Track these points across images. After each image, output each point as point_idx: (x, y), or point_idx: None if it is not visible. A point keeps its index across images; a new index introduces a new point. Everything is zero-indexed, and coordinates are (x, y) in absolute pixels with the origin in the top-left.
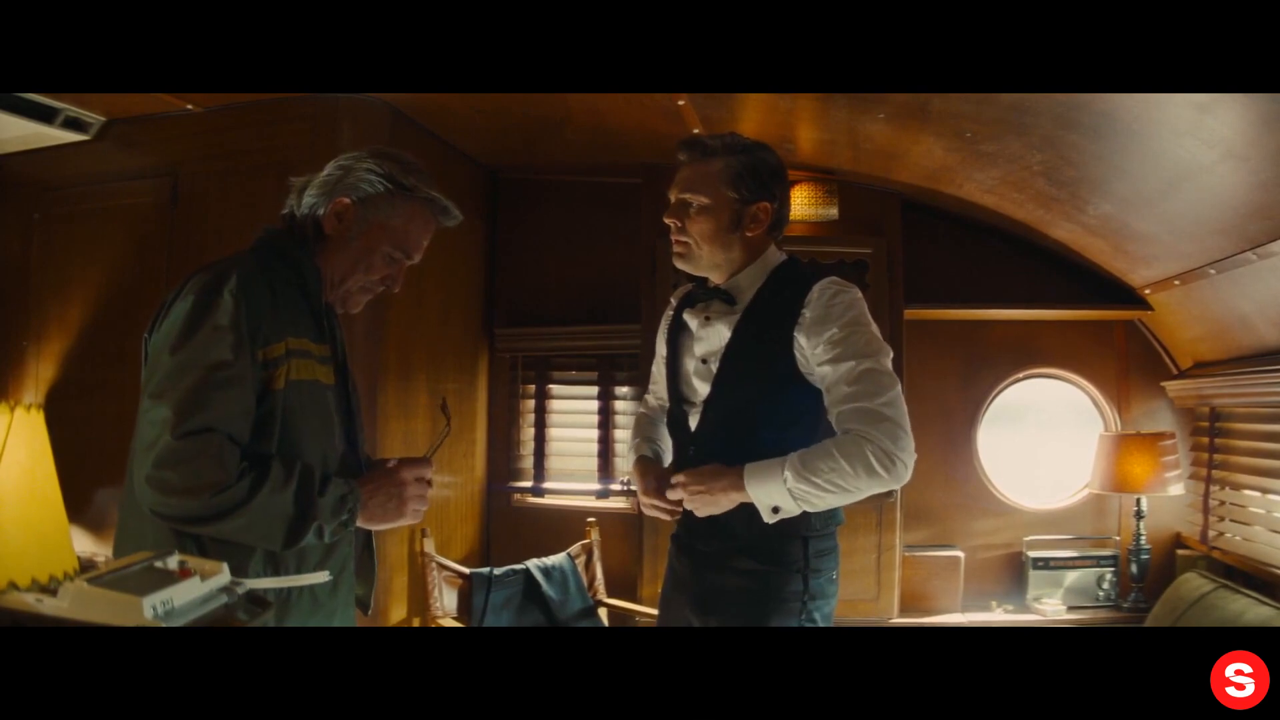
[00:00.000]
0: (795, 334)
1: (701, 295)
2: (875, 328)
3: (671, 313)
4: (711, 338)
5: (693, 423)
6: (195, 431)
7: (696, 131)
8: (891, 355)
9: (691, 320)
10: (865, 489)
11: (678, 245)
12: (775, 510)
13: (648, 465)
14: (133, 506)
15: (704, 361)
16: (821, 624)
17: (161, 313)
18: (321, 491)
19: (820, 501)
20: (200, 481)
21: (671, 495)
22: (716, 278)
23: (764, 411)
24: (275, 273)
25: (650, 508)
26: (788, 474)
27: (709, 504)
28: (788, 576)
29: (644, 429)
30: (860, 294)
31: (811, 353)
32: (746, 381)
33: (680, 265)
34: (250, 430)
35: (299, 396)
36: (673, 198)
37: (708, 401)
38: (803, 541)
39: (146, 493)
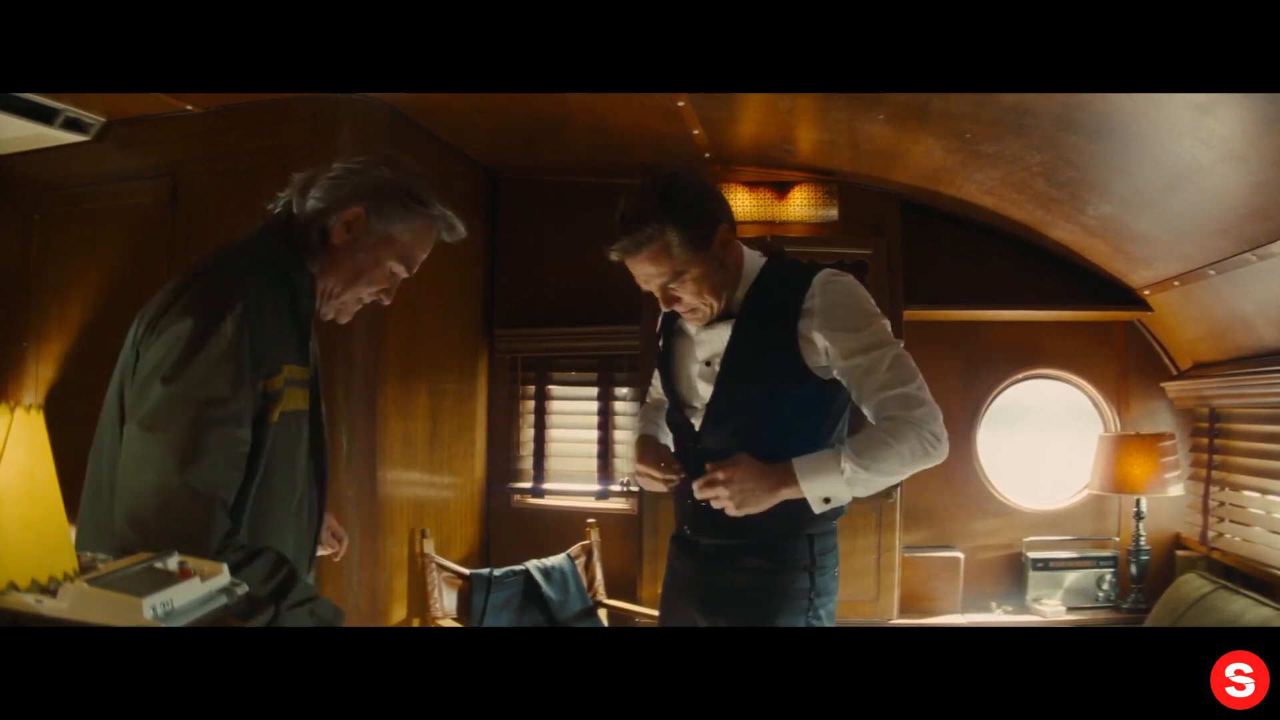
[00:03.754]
0: (799, 328)
1: None
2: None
3: (664, 316)
4: (713, 339)
5: (696, 424)
6: (186, 487)
7: (620, 216)
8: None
9: (691, 324)
10: (911, 470)
11: (691, 317)
12: (826, 500)
13: (648, 440)
14: (99, 508)
15: (707, 364)
16: (826, 621)
17: (157, 314)
18: (282, 594)
19: (873, 487)
20: (178, 546)
21: (703, 494)
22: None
23: (768, 409)
24: (273, 291)
25: (645, 476)
26: (845, 466)
27: (752, 502)
28: (795, 574)
29: (650, 415)
30: (858, 281)
31: (830, 348)
32: (750, 380)
33: (702, 324)
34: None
35: (280, 431)
36: (653, 290)
37: (711, 403)
38: (808, 539)
39: (122, 527)
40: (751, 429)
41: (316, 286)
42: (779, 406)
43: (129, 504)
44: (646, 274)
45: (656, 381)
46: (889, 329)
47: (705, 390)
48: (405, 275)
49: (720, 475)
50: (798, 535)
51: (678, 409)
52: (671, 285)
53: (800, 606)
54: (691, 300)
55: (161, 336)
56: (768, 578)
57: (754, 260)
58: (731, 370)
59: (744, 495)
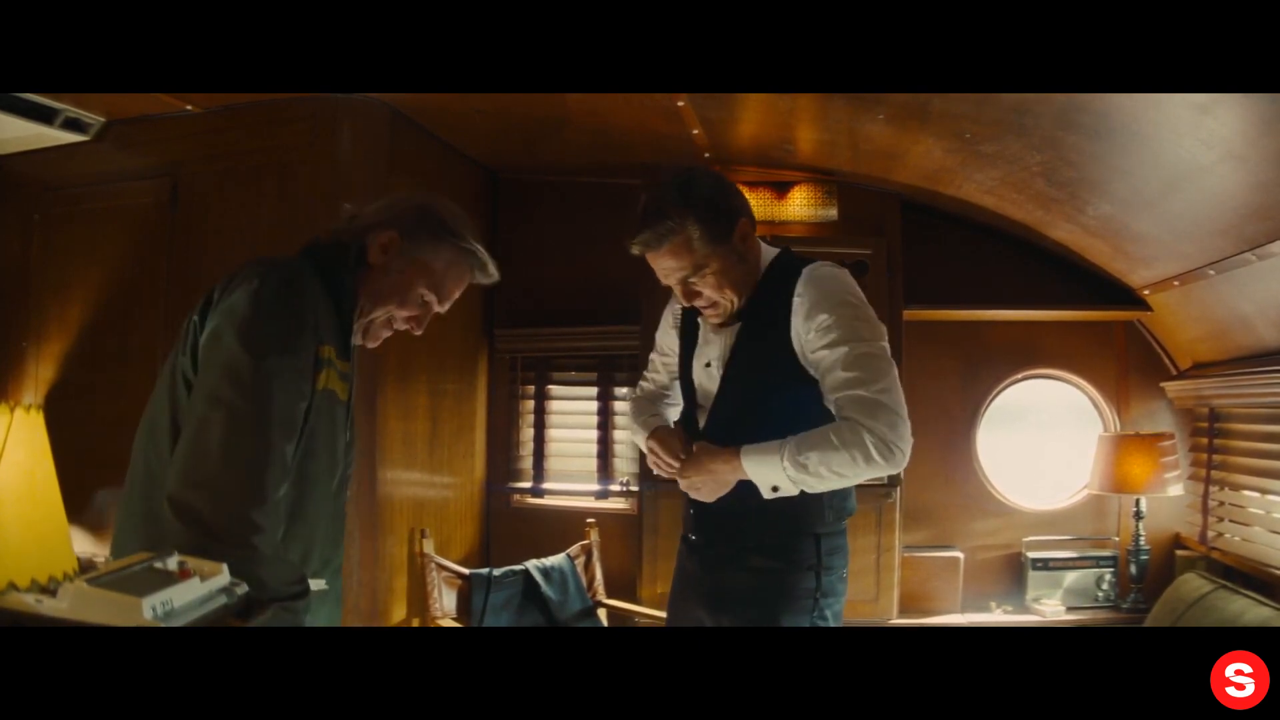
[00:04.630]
0: (792, 323)
1: None
2: (869, 308)
3: (680, 308)
4: (715, 342)
5: (701, 423)
6: (259, 425)
7: (639, 214)
8: (886, 334)
9: (704, 325)
10: (863, 475)
11: (713, 314)
12: (774, 489)
13: (666, 430)
14: (135, 501)
15: (708, 365)
16: (833, 621)
17: (214, 299)
18: (296, 594)
19: (819, 485)
20: (230, 521)
21: (682, 483)
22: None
23: (768, 411)
24: (320, 281)
25: (655, 463)
26: (786, 464)
27: (711, 488)
28: (800, 574)
29: (645, 409)
30: (848, 274)
31: (806, 339)
32: (750, 382)
33: (725, 322)
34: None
35: (323, 404)
36: (673, 284)
37: (714, 403)
38: (815, 539)
39: (181, 488)
40: (751, 428)
41: (357, 297)
42: (778, 406)
43: (192, 469)
44: (667, 268)
45: (650, 374)
46: (869, 326)
47: (710, 390)
48: (438, 307)
49: (681, 469)
50: (804, 535)
51: (689, 408)
52: (692, 279)
53: (805, 607)
54: (712, 294)
55: (230, 297)
56: (772, 578)
57: (766, 255)
58: (732, 374)
59: (698, 485)
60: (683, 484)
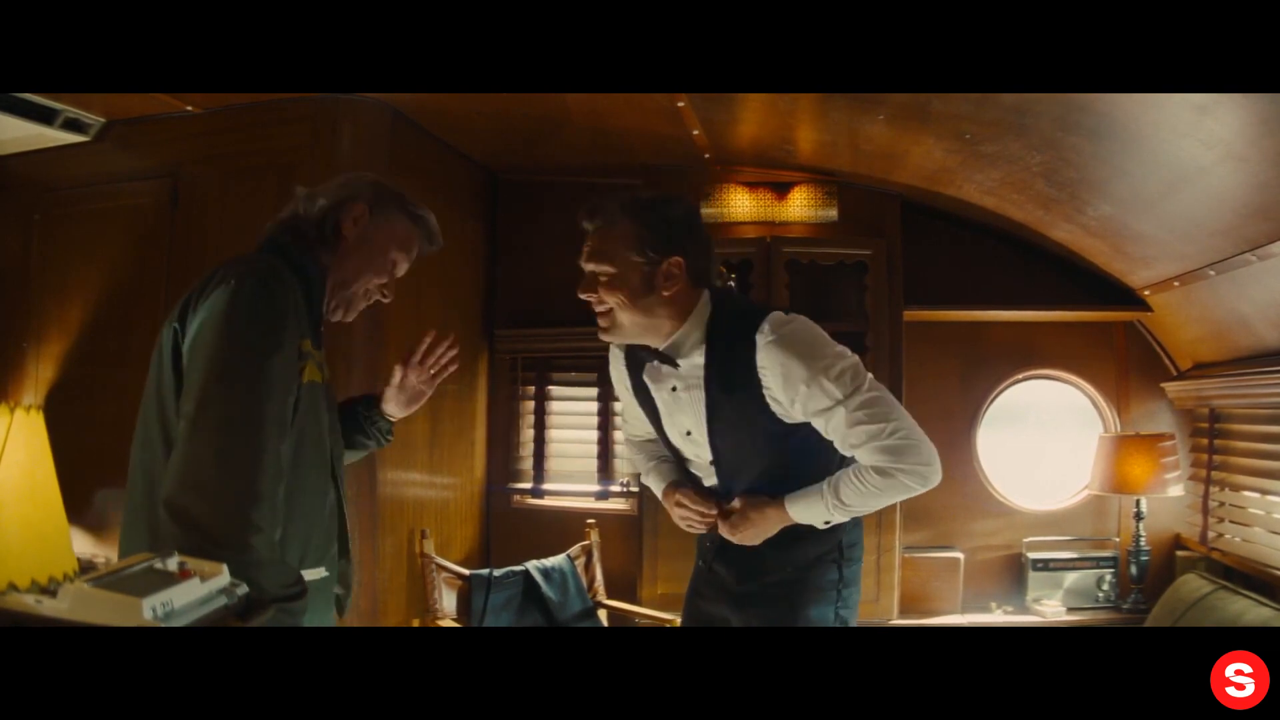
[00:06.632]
0: (765, 392)
1: (645, 355)
2: (831, 345)
3: (623, 359)
4: (686, 409)
5: (708, 479)
6: (252, 426)
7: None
8: (854, 356)
9: (658, 393)
10: (905, 498)
11: (600, 320)
12: (826, 523)
13: (677, 485)
14: (133, 511)
15: (688, 434)
16: (852, 608)
17: (191, 303)
18: (293, 595)
19: (859, 514)
20: (227, 523)
21: (723, 532)
22: (655, 343)
23: (770, 459)
24: (291, 273)
25: (686, 520)
26: (831, 509)
27: (754, 535)
28: (826, 567)
29: (647, 449)
30: (799, 323)
31: (792, 408)
32: (742, 443)
33: (608, 339)
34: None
35: (307, 397)
36: (584, 269)
37: (716, 464)
38: (837, 537)
39: (176, 492)
40: (767, 472)
41: (327, 279)
42: (781, 450)
43: (183, 479)
44: (588, 249)
45: (627, 426)
46: (849, 369)
47: (701, 453)
48: (397, 271)
49: (726, 531)
50: (830, 539)
51: (680, 463)
52: (595, 270)
53: (829, 598)
54: (604, 296)
55: (209, 300)
56: (800, 571)
57: (703, 311)
58: (721, 444)
59: (748, 535)
60: (726, 532)
